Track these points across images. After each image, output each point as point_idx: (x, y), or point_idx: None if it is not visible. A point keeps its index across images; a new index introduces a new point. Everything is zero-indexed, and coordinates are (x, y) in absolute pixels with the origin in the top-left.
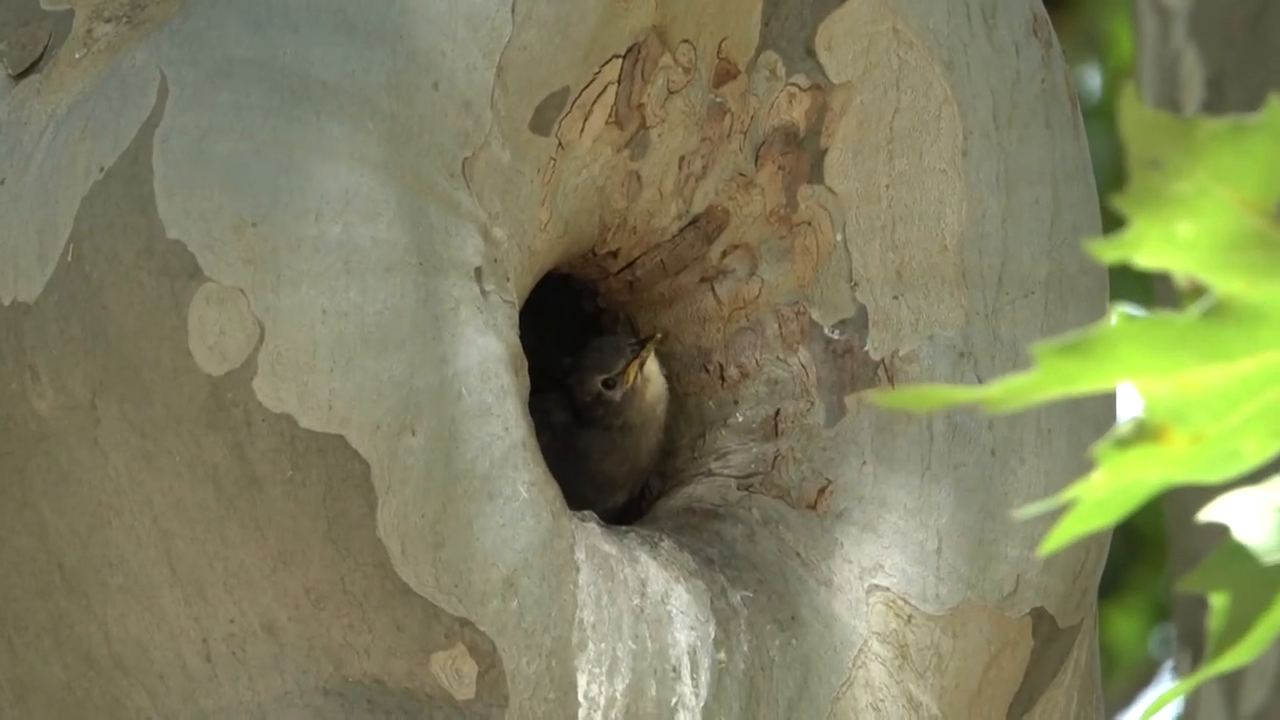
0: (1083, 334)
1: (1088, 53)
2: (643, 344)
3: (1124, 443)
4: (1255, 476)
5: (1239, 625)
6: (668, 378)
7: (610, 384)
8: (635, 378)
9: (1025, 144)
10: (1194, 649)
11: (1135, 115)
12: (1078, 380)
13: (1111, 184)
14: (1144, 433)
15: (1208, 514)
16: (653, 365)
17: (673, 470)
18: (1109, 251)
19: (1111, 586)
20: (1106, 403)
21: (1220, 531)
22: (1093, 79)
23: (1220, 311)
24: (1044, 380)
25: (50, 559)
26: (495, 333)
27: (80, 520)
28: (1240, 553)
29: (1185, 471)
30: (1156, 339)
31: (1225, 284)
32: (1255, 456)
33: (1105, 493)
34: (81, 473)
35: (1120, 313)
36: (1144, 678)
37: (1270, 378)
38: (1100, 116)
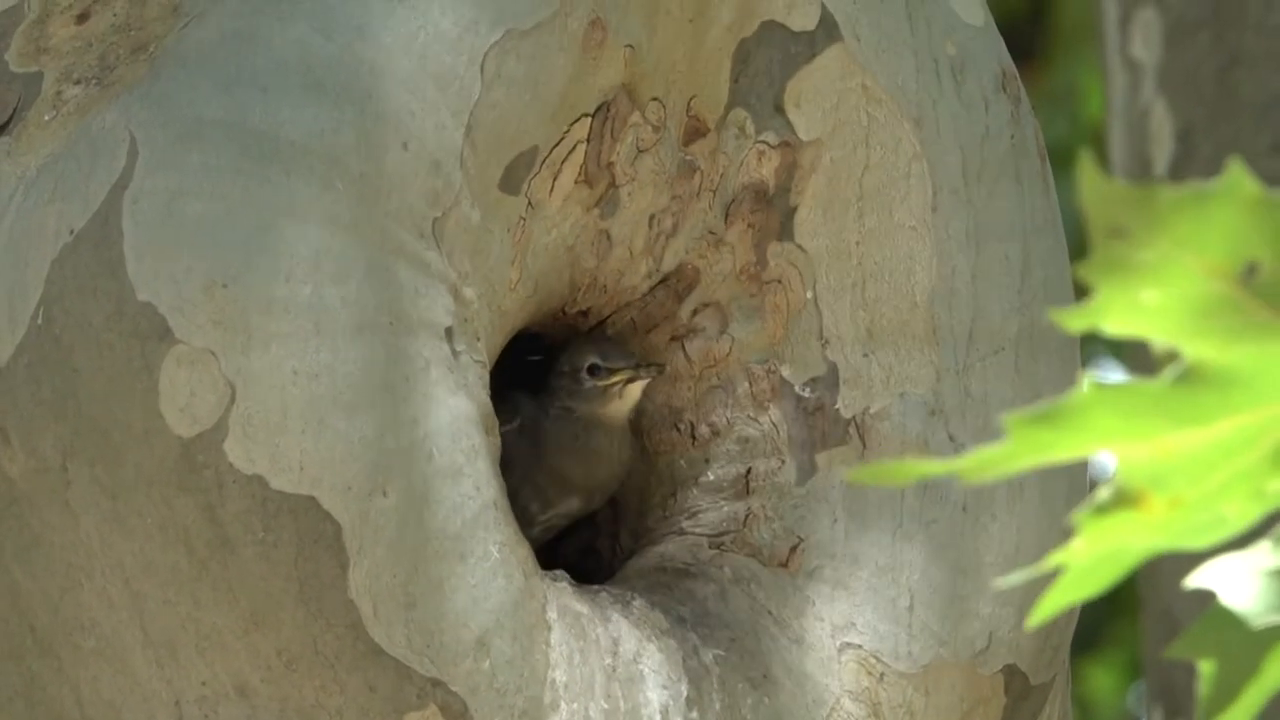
0: (1053, 403)
1: (1060, 106)
2: (646, 366)
3: (1102, 509)
4: (1240, 541)
5: (1227, 691)
6: (637, 432)
7: (595, 370)
8: (618, 386)
9: (994, 199)
10: (1165, 705)
11: (1095, 184)
12: (1050, 449)
13: (1085, 238)
14: (1122, 498)
15: (1195, 580)
16: (635, 392)
17: (644, 529)
18: (1075, 320)
19: (1089, 641)
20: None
21: (1193, 590)
22: (1065, 132)
23: (1192, 376)
24: (1016, 450)
25: (22, 621)
26: (466, 393)
27: (51, 583)
28: (1227, 618)
29: (1167, 537)
30: (1128, 405)
31: (1195, 349)
32: (1237, 521)
33: (1088, 560)
34: (52, 535)
35: (1090, 380)
36: None
37: (1246, 440)
38: (1074, 168)
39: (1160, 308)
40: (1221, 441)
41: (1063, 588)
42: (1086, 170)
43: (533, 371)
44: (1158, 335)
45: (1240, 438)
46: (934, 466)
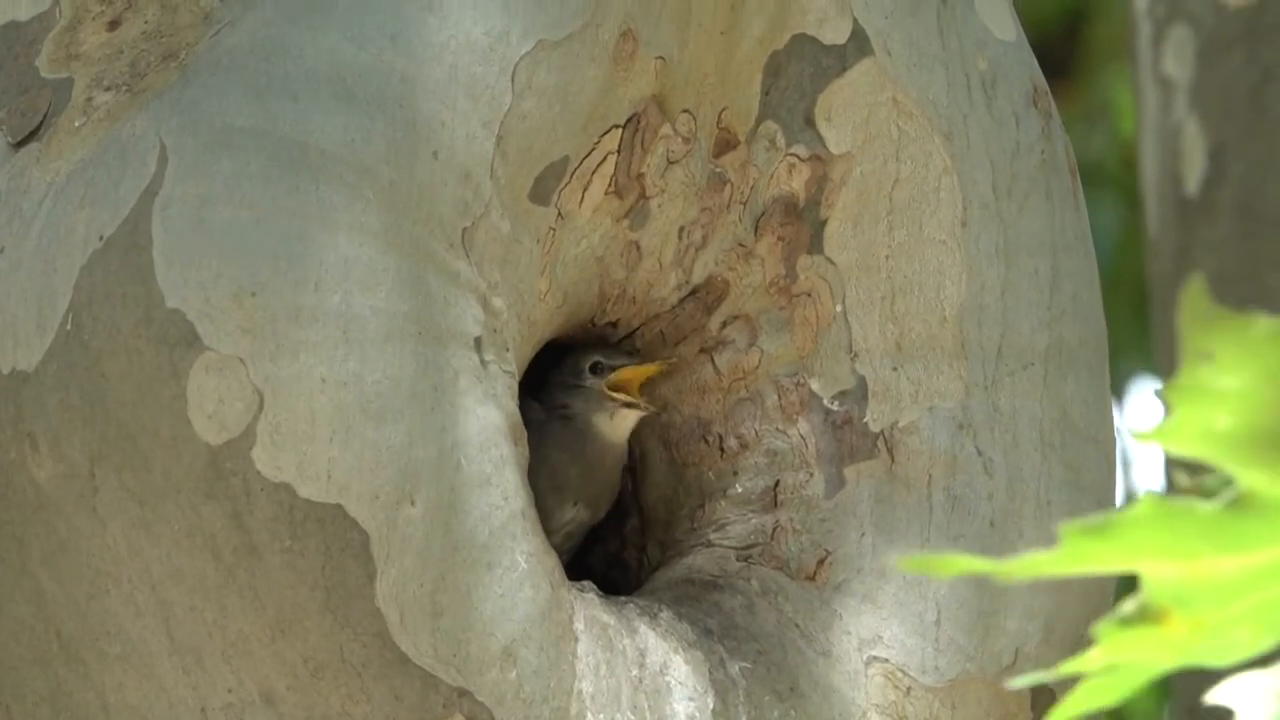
0: (1107, 516)
1: (1093, 123)
2: (646, 402)
3: (1125, 622)
4: (1261, 660)
5: None
6: (665, 444)
7: (597, 368)
8: (616, 404)
9: (1025, 215)
10: None
11: (1197, 308)
12: (1097, 560)
13: (1119, 253)
14: (1145, 614)
15: (1214, 697)
16: (630, 419)
17: (671, 541)
18: (1146, 436)
19: None
20: (1106, 475)
21: None
22: (1100, 147)
23: (1242, 504)
24: (1065, 559)
25: (48, 628)
26: (494, 403)
27: (78, 589)
28: None
29: (1183, 655)
30: (1177, 525)
31: (1251, 478)
32: (1250, 647)
33: (1105, 670)
34: (80, 541)
35: (1147, 495)
36: None
37: (1276, 573)
38: (1108, 185)
39: (1229, 434)
40: (1253, 571)
41: (1080, 696)
42: (1191, 294)
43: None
44: (1220, 461)
45: (1271, 570)
46: (979, 564)
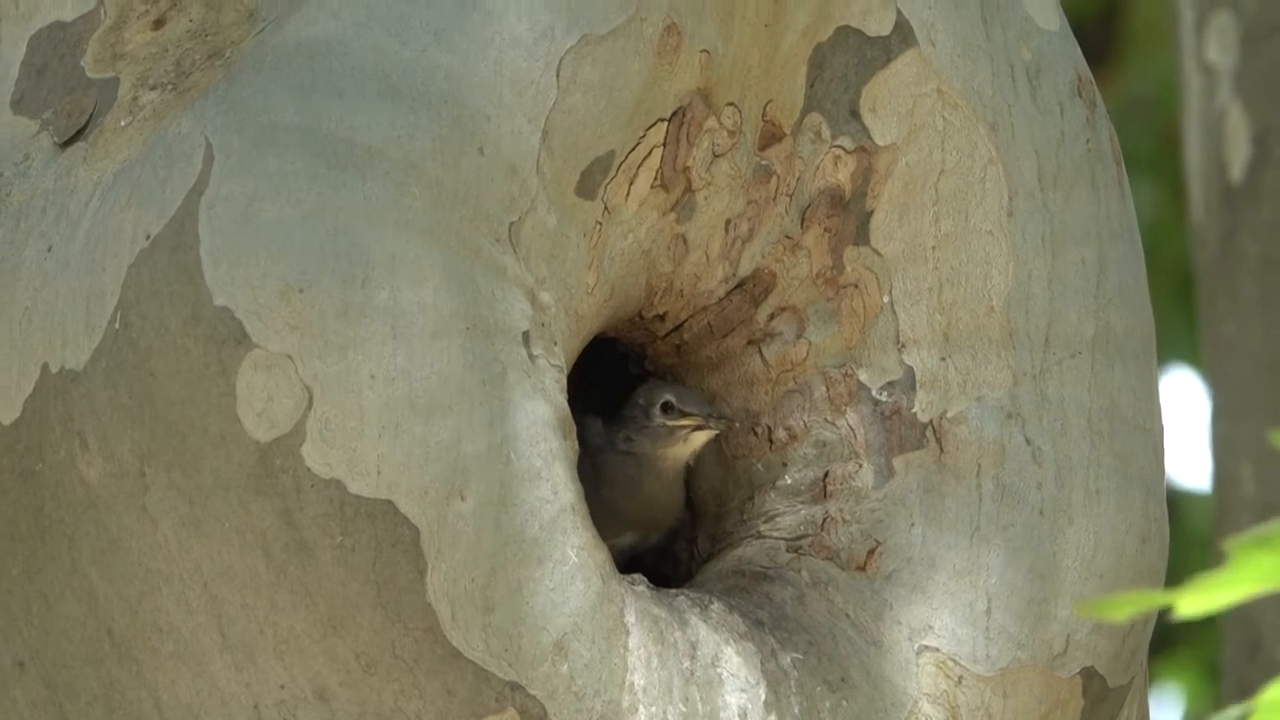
0: (1269, 527)
1: (1132, 110)
2: (717, 418)
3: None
4: None
5: None
6: (715, 438)
7: (668, 408)
8: (685, 430)
9: (1070, 204)
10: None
11: None
12: (1271, 576)
13: (1155, 238)
14: None
15: None
16: (699, 441)
17: (722, 533)
18: None
19: (1163, 642)
20: (1154, 463)
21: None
22: (1136, 136)
23: None
24: (1238, 577)
25: (100, 626)
26: (543, 396)
27: (130, 587)
28: None
29: None
30: None
31: None
32: None
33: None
34: (130, 540)
35: None
36: None
37: None
38: (1150, 172)
39: None
40: None
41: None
42: None
43: (607, 397)
44: None
45: None
46: (1156, 599)
